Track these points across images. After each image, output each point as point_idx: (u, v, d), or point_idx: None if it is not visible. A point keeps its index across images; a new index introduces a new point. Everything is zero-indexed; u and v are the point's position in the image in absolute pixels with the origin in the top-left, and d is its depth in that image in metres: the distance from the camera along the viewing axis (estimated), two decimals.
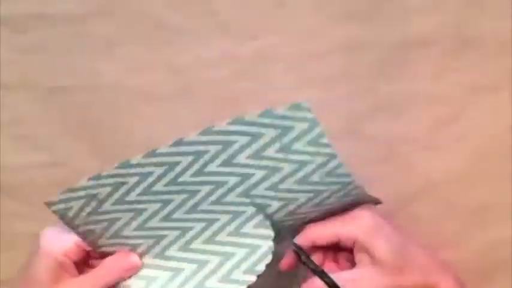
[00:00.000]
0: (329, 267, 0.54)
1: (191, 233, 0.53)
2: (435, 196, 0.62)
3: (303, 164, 0.51)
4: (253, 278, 0.52)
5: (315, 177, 0.52)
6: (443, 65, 0.60)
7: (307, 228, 0.54)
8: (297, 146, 0.50)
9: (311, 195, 0.52)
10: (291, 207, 0.53)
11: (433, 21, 0.59)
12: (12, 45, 0.60)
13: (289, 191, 0.52)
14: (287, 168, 0.51)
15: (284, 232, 0.55)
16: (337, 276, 0.52)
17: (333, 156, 0.51)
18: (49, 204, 0.50)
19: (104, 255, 0.53)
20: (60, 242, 0.52)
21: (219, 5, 0.59)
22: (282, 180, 0.51)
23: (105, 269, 0.52)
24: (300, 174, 0.51)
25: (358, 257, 0.53)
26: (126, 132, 0.60)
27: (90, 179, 0.50)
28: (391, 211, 0.61)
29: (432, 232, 0.62)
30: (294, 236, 0.54)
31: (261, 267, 0.52)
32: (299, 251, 0.53)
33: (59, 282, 0.51)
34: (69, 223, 0.51)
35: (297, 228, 0.55)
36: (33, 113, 0.60)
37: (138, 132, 0.60)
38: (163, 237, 0.53)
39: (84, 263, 0.53)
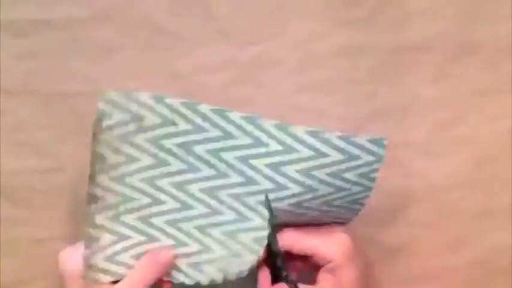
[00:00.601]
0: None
1: (188, 213, 0.51)
2: (435, 201, 0.62)
3: (339, 190, 0.51)
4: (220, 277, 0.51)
5: (338, 202, 0.52)
6: (444, 69, 0.60)
7: (286, 231, 0.54)
8: (348, 175, 0.51)
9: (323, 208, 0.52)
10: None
11: (434, 26, 0.59)
12: (13, 51, 0.60)
13: (307, 208, 0.52)
14: (322, 190, 0.51)
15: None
16: None
17: (368, 189, 0.52)
18: (102, 94, 0.47)
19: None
20: (77, 259, 0.51)
21: (218, 10, 0.59)
22: (309, 200, 0.51)
23: (141, 273, 0.51)
24: (330, 198, 0.52)
25: (323, 275, 0.53)
26: None
27: (152, 97, 0.48)
28: (391, 216, 0.62)
29: (432, 237, 0.62)
30: (276, 240, 0.53)
31: (233, 273, 0.51)
32: (278, 254, 0.52)
33: None
34: (95, 134, 0.48)
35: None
36: (33, 119, 0.60)
37: None
38: (160, 202, 0.51)
39: None
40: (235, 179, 0.51)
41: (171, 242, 0.52)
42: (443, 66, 0.60)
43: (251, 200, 0.51)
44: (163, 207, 0.51)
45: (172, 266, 0.51)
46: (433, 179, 0.61)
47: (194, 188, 0.51)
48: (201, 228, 0.52)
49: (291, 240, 0.53)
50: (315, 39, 0.60)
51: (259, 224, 0.51)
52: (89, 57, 0.60)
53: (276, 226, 0.53)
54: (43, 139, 0.60)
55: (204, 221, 0.52)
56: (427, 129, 0.61)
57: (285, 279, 0.52)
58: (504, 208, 0.62)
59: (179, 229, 0.52)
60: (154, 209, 0.51)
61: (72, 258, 0.51)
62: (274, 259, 0.53)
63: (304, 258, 0.54)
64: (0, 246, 0.61)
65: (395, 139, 0.60)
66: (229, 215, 0.52)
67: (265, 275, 0.54)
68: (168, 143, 0.49)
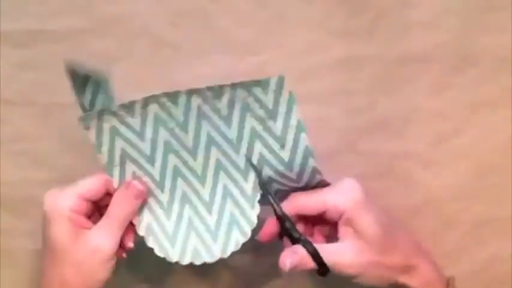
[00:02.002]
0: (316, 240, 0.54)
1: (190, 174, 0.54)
2: (435, 211, 0.62)
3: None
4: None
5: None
6: (443, 81, 0.60)
7: (294, 195, 0.53)
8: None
9: None
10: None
11: (433, 38, 0.59)
12: (13, 61, 0.60)
13: None
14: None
15: (268, 199, 0.53)
16: (320, 248, 0.51)
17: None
18: None
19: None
20: (64, 199, 0.51)
21: (218, 21, 0.59)
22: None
23: (116, 207, 0.52)
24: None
25: (343, 230, 0.52)
26: None
27: None
28: None
29: (432, 247, 0.62)
30: (278, 204, 0.53)
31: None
32: (284, 216, 0.52)
33: (77, 239, 0.50)
34: None
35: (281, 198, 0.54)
36: (32, 129, 0.60)
37: None
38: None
39: (96, 211, 0.53)
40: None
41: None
42: (443, 78, 0.60)
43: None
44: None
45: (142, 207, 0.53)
46: (433, 189, 0.61)
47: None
48: (185, 197, 0.54)
49: (297, 201, 0.53)
50: (315, 50, 0.60)
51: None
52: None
53: (275, 192, 0.53)
54: (43, 150, 0.60)
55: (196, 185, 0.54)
56: (427, 140, 0.61)
57: (298, 240, 0.51)
58: (504, 218, 0.62)
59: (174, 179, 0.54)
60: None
61: (60, 199, 0.51)
62: (283, 224, 0.52)
63: (323, 222, 0.54)
64: (0, 256, 0.61)
65: (395, 150, 0.61)
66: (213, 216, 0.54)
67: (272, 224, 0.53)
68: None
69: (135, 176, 0.53)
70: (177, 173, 0.54)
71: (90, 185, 0.52)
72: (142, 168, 0.53)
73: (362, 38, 0.59)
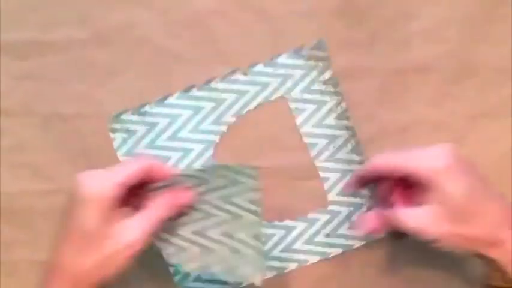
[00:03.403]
0: (396, 201, 0.54)
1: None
2: None
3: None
4: None
5: None
6: (444, 91, 0.60)
7: (378, 155, 0.53)
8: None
9: None
10: None
11: (434, 48, 0.59)
12: (12, 72, 0.60)
13: None
14: None
15: None
16: (400, 212, 0.51)
17: None
18: None
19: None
20: (105, 185, 0.49)
21: (218, 33, 0.59)
22: None
23: (161, 210, 0.51)
24: None
25: (427, 195, 0.50)
26: None
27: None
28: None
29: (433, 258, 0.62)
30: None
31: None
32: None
33: (110, 228, 0.49)
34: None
35: None
36: (32, 140, 0.60)
37: None
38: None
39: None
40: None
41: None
42: (443, 88, 0.60)
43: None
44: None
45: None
46: None
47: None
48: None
49: (380, 160, 0.53)
50: None
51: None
52: (89, 78, 0.60)
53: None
54: (43, 160, 0.60)
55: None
56: None
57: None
58: None
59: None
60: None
61: (101, 185, 0.49)
62: None
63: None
64: (0, 267, 0.61)
65: None
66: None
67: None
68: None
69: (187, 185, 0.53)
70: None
71: (132, 172, 0.50)
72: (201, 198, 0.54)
73: (362, 48, 0.59)
